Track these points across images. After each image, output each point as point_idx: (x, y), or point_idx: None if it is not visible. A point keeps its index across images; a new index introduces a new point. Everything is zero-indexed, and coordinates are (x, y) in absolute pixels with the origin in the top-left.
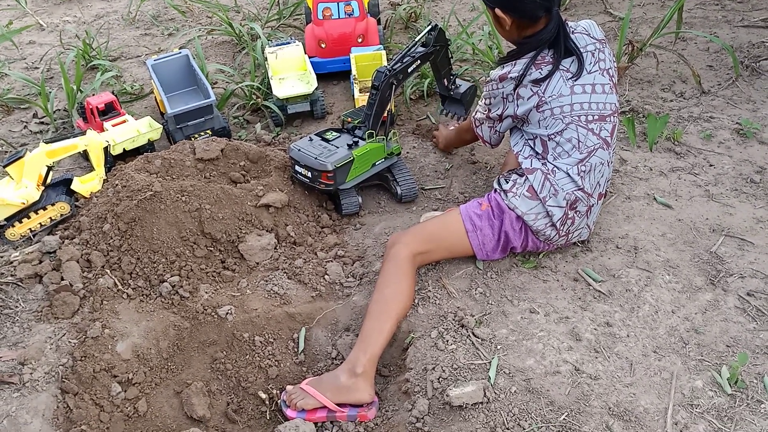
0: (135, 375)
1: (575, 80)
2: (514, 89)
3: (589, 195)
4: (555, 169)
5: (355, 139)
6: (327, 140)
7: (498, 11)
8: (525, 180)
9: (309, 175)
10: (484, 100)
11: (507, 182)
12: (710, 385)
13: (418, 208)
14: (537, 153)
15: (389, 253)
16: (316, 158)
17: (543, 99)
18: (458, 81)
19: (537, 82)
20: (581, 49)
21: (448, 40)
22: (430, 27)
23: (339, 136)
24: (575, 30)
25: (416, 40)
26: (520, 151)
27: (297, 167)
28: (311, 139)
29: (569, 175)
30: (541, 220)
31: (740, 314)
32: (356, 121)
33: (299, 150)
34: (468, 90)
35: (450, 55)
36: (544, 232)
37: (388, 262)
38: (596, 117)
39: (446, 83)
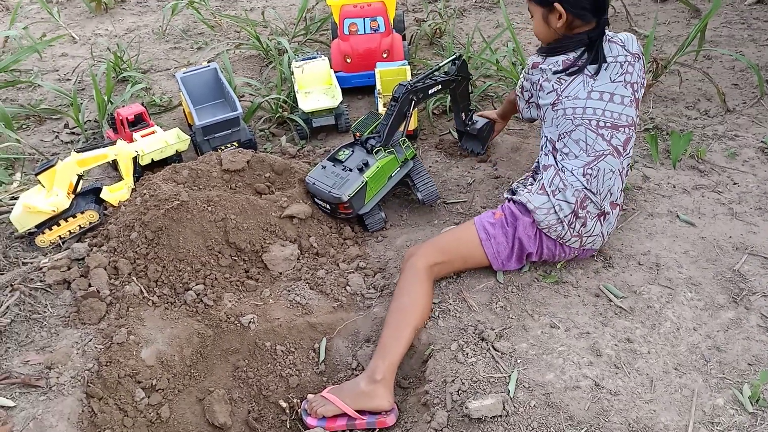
0: (159, 381)
1: (594, 85)
2: (539, 80)
3: (600, 199)
4: (564, 167)
5: (366, 159)
6: (340, 161)
7: (558, 5)
8: (540, 179)
9: (328, 207)
10: (521, 81)
11: (524, 186)
12: (731, 404)
13: (440, 221)
14: (551, 151)
15: (406, 265)
16: (329, 191)
17: (559, 98)
18: (475, 117)
19: (561, 79)
20: (610, 58)
21: (470, 74)
22: (454, 57)
23: (352, 153)
24: (612, 39)
25: (440, 65)
26: (542, 147)
27: (316, 199)
28: (324, 167)
29: (574, 175)
30: (552, 216)
31: (763, 333)
32: (368, 131)
33: (314, 183)
34: (485, 126)
35: (470, 90)
36: (556, 228)
37: (405, 272)
38: (609, 124)
39: (464, 118)
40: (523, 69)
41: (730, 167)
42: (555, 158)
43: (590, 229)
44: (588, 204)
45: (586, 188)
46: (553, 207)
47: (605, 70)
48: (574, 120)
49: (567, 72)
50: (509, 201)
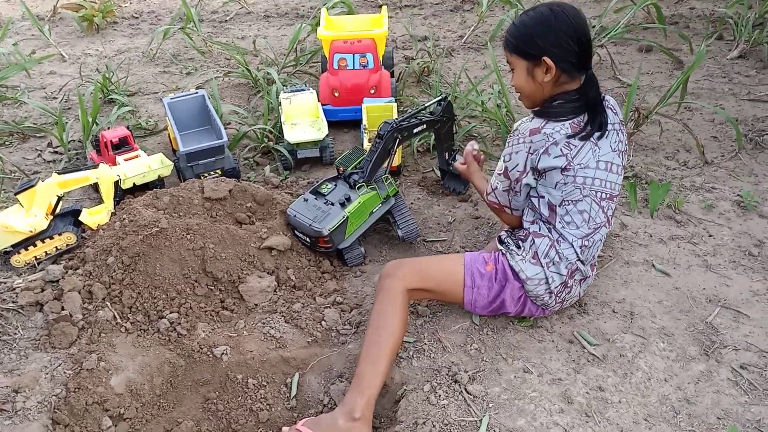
0: (127, 410)
1: (600, 154)
2: (544, 145)
3: (586, 266)
4: (560, 238)
5: (348, 194)
6: (322, 195)
7: (546, 59)
8: (531, 245)
9: (308, 240)
10: (502, 160)
11: (517, 246)
12: None
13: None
14: (542, 217)
15: (383, 285)
16: (310, 225)
17: (571, 164)
18: (458, 157)
19: (570, 144)
20: (609, 126)
21: (454, 115)
22: (440, 98)
23: (334, 188)
24: (607, 105)
25: (425, 105)
26: (532, 207)
27: (296, 231)
28: (306, 200)
29: (572, 247)
30: (542, 286)
31: (732, 387)
32: (352, 166)
33: (295, 216)
34: None
35: (455, 131)
36: (543, 297)
37: (382, 295)
38: (608, 195)
39: (447, 157)
40: (512, 132)
41: (706, 219)
42: (549, 225)
43: (572, 293)
44: (576, 273)
45: (579, 260)
46: (546, 278)
47: (606, 137)
48: (583, 190)
49: (579, 137)
50: (503, 255)
